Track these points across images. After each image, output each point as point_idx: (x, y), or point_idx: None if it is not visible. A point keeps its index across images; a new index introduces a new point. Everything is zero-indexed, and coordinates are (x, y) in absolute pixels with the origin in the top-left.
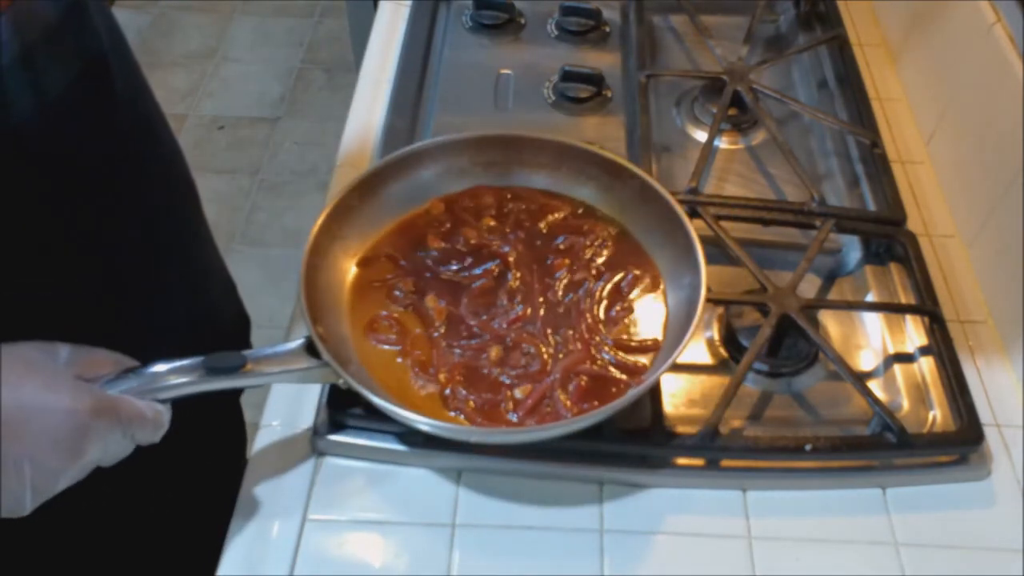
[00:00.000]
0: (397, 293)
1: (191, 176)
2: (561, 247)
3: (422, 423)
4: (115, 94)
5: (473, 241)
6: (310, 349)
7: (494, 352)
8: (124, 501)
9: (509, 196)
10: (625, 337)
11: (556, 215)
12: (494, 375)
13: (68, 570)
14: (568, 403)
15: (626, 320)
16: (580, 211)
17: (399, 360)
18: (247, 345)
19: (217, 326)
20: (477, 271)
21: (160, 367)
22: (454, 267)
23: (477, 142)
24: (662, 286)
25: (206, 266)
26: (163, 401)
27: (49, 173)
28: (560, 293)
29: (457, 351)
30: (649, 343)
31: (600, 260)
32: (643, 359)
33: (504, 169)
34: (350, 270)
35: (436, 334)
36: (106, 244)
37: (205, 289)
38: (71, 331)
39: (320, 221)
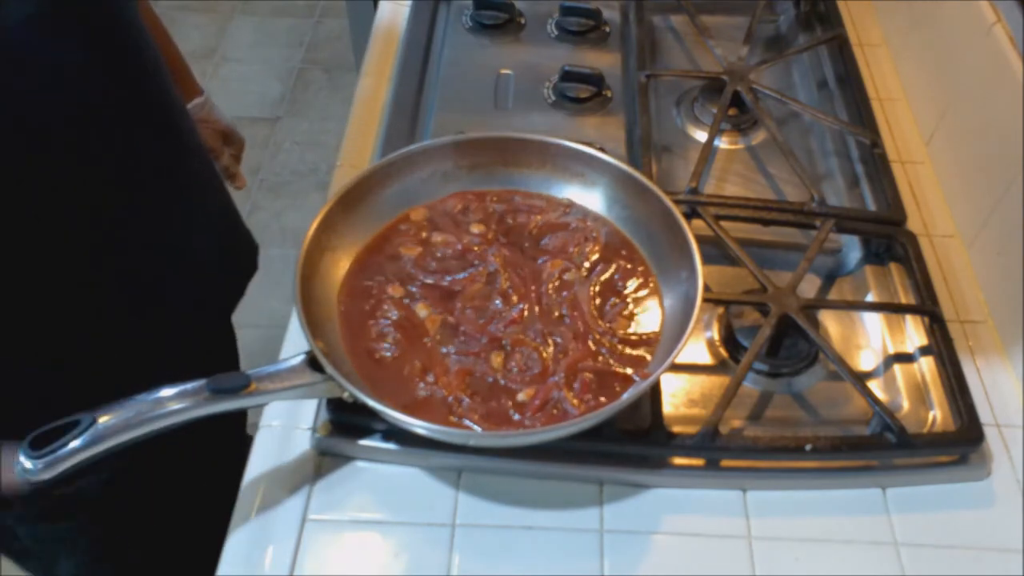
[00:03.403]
0: (388, 304)
1: (183, 122)
2: (549, 247)
3: (430, 431)
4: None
5: (458, 247)
6: (313, 364)
7: (494, 357)
8: (125, 500)
9: (494, 199)
10: (624, 331)
11: (542, 215)
12: (496, 379)
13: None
14: (575, 401)
15: (623, 314)
16: (567, 210)
17: (399, 369)
18: (253, 267)
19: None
20: (462, 276)
21: (165, 392)
22: (440, 274)
23: (460, 146)
24: (655, 279)
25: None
26: (167, 434)
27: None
28: (553, 293)
29: (456, 357)
30: (648, 336)
31: (590, 258)
32: (643, 352)
33: (489, 171)
34: (340, 282)
35: (433, 341)
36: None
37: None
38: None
39: (309, 235)
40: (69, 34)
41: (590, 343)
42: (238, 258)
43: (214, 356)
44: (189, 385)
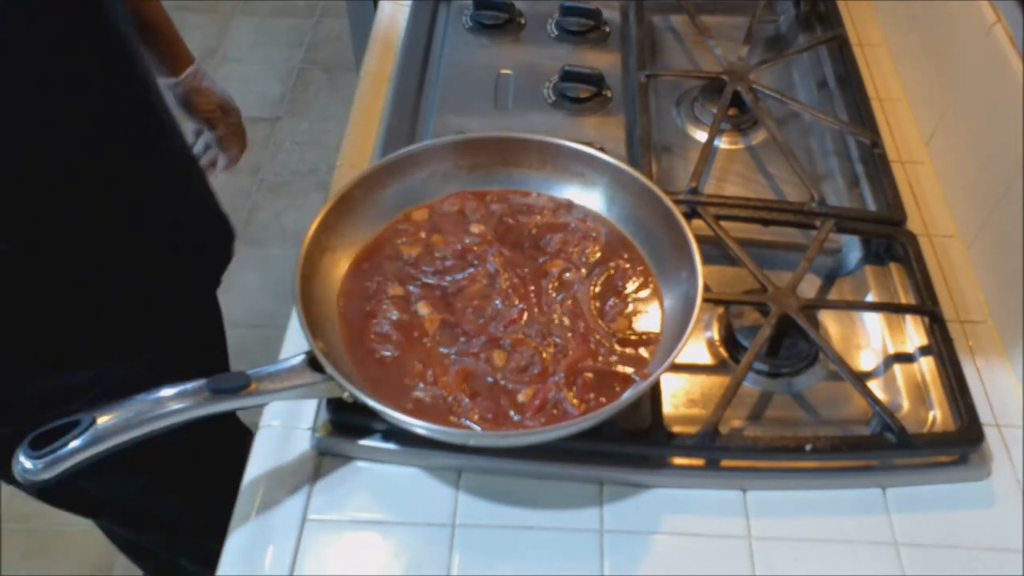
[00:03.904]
0: (388, 304)
1: (164, 118)
2: (549, 247)
3: (430, 431)
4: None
5: (458, 247)
6: (313, 364)
7: (494, 357)
8: (125, 503)
9: (494, 199)
10: (624, 331)
11: (542, 215)
12: (495, 380)
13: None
14: (575, 401)
15: (623, 314)
16: (567, 210)
17: (399, 369)
18: (228, 253)
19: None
20: (460, 276)
21: (165, 391)
22: (440, 274)
23: (460, 146)
24: (655, 279)
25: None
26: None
27: None
28: (553, 293)
29: (456, 357)
30: (648, 336)
31: (590, 258)
32: (643, 352)
33: (489, 171)
34: (340, 282)
35: (433, 341)
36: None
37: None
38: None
39: (309, 235)
40: (53, 44)
41: (590, 343)
42: (218, 241)
43: (212, 352)
44: (189, 385)
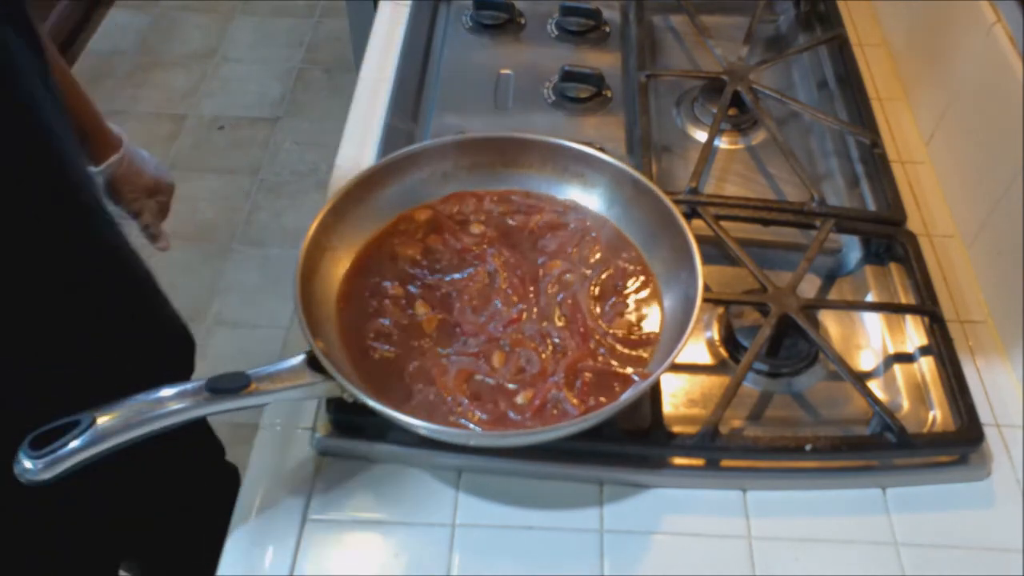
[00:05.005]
0: (387, 304)
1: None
2: (549, 247)
3: (430, 431)
4: None
5: (457, 247)
6: (312, 364)
7: (492, 357)
8: (122, 506)
9: (494, 199)
10: (623, 332)
11: (542, 215)
12: (495, 380)
13: (66, 571)
14: (575, 401)
15: (623, 315)
16: (567, 210)
17: (398, 369)
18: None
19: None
20: (459, 276)
21: (165, 392)
22: (439, 274)
23: (460, 146)
24: (655, 280)
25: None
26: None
27: None
28: (552, 293)
29: (455, 358)
30: (648, 336)
31: (590, 258)
32: (643, 352)
33: (489, 171)
34: (340, 282)
35: (432, 342)
36: None
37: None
38: None
39: (309, 235)
40: None
41: (589, 343)
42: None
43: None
44: (189, 385)
